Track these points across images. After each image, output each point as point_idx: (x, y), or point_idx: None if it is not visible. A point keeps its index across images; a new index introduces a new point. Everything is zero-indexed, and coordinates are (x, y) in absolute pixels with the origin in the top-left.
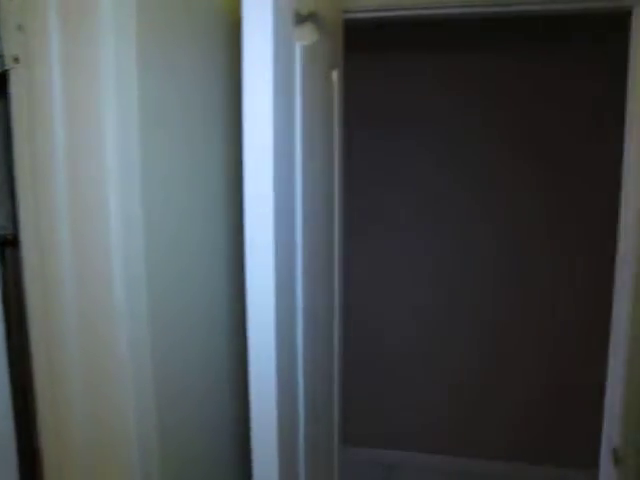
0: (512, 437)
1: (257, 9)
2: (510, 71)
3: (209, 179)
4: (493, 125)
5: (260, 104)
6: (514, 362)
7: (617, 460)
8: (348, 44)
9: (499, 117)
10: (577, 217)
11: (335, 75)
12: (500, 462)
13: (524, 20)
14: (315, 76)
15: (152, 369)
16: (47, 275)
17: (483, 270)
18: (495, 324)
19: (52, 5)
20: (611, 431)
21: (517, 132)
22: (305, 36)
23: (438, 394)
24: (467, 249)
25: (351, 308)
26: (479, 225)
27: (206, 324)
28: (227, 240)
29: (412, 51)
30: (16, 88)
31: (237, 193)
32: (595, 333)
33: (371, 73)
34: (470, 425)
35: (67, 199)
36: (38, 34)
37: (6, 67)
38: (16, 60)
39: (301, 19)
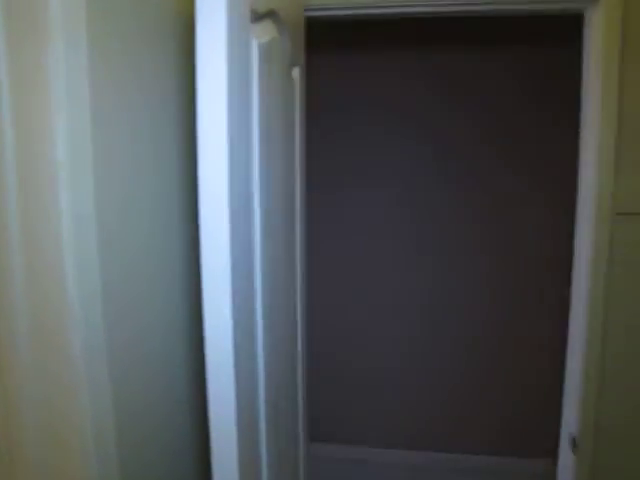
0: (478, 431)
1: (210, 6)
2: (477, 68)
3: (166, 179)
4: (460, 121)
5: (214, 102)
6: (480, 359)
7: (575, 446)
8: (313, 41)
9: (467, 114)
10: (547, 220)
11: (296, 72)
12: (467, 455)
13: (491, 18)
14: (274, 74)
15: (108, 369)
16: None
17: (451, 268)
18: (463, 321)
19: None
20: (569, 420)
21: (485, 128)
22: (263, 33)
23: (405, 390)
24: (440, 247)
25: (315, 307)
26: (450, 224)
27: (163, 322)
28: (185, 240)
29: (378, 47)
30: None
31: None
32: (556, 332)
33: (336, 70)
34: (436, 420)
35: (17, 197)
36: None
37: None
38: None
39: (258, 16)
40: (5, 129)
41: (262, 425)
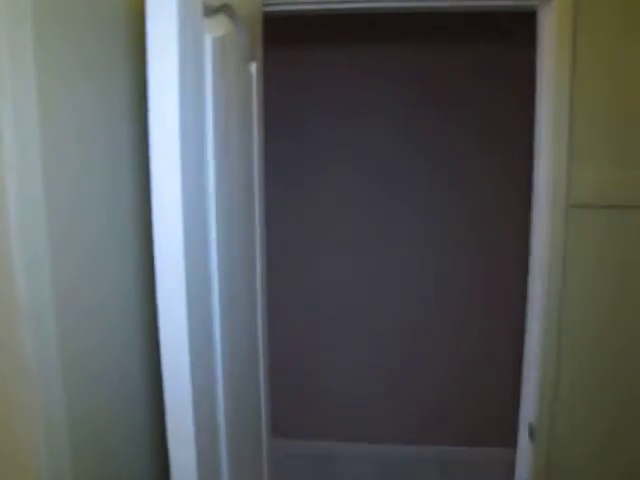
0: (444, 423)
1: (161, 0)
2: (430, 63)
3: (120, 178)
4: (410, 121)
5: (165, 98)
6: (445, 353)
7: (532, 433)
8: (271, 37)
9: (417, 111)
10: (497, 218)
11: (254, 68)
12: (434, 447)
13: (445, 14)
14: (230, 68)
15: (61, 364)
16: None
17: (416, 265)
18: (430, 317)
19: None
20: (528, 409)
21: (433, 128)
22: (217, 28)
23: (372, 384)
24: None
25: (281, 302)
26: (417, 223)
27: (117, 311)
28: (141, 240)
29: (330, 43)
30: None
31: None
32: (521, 326)
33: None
34: (403, 413)
35: None
36: None
37: None
38: None
39: (212, 10)
40: None
41: (222, 423)
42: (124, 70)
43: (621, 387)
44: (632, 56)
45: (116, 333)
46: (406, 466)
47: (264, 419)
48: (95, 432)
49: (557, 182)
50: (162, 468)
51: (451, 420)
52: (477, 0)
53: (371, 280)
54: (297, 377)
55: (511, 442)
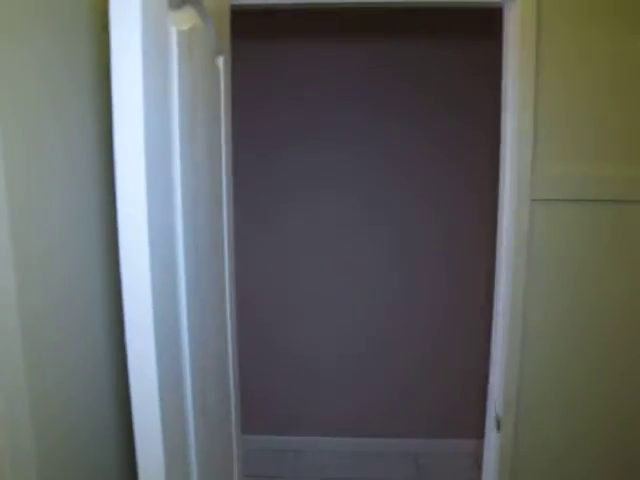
0: (413, 415)
1: None
2: (402, 60)
3: (82, 180)
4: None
5: (129, 93)
6: (412, 345)
7: (498, 425)
8: (238, 31)
9: (389, 110)
10: (467, 216)
11: (221, 61)
12: (403, 439)
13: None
14: (196, 62)
15: (24, 365)
16: None
17: (384, 261)
18: (397, 311)
19: None
20: (495, 401)
21: (408, 126)
22: (183, 21)
23: (339, 378)
24: (353, 247)
25: (247, 295)
26: (386, 221)
27: (82, 308)
28: (106, 241)
29: (302, 38)
30: None
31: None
32: (489, 321)
33: (257, 60)
34: (371, 406)
35: None
36: None
37: None
38: None
39: (178, 3)
40: None
41: (190, 418)
42: (87, 69)
43: (583, 378)
44: (594, 54)
45: (81, 331)
46: (374, 458)
47: (234, 413)
48: (62, 434)
49: (521, 177)
50: (132, 469)
51: (420, 413)
52: None
53: (334, 273)
54: (263, 371)
55: (480, 434)
